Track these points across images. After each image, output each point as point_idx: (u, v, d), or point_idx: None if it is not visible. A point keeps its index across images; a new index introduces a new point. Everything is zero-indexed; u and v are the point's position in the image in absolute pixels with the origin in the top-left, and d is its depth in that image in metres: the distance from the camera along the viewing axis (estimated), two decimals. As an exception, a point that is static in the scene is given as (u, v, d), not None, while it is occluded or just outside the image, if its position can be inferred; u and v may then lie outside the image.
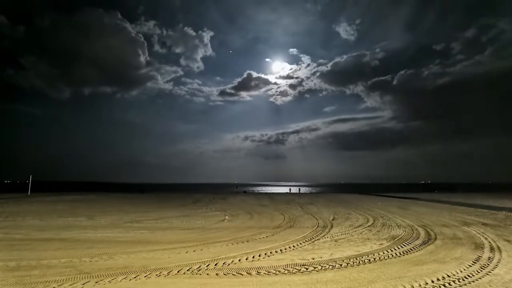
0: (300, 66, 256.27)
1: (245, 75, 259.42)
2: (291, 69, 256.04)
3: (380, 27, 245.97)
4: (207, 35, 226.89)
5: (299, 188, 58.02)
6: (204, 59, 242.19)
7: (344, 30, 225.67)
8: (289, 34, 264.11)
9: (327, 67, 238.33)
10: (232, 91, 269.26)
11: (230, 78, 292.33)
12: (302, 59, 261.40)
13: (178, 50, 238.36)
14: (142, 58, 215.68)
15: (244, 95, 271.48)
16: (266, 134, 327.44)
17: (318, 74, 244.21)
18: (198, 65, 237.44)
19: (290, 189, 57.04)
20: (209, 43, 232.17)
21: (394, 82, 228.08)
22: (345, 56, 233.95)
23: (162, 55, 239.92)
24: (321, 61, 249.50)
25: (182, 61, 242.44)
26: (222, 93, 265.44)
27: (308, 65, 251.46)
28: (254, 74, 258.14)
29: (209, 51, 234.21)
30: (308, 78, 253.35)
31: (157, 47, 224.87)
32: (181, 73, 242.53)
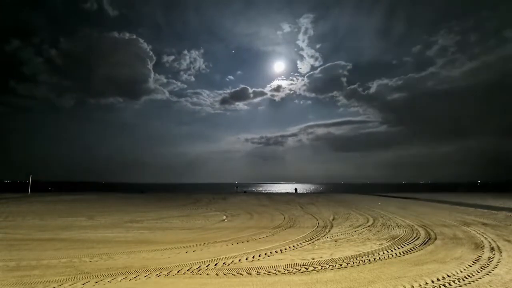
0: (287, 77, 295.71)
1: (239, 88, 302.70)
2: (280, 78, 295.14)
3: (345, 45, 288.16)
4: (198, 52, 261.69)
5: (296, 189, 57.80)
6: (201, 73, 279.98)
7: (307, 54, 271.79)
8: (270, 44, 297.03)
9: (307, 78, 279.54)
10: (231, 101, 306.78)
11: (227, 90, 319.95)
12: (287, 69, 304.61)
13: (176, 67, 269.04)
14: (147, 73, 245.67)
15: (241, 104, 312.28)
16: (266, 136, 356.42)
17: (302, 84, 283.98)
18: (196, 78, 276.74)
19: (295, 189, 56.72)
20: (201, 59, 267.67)
21: (367, 91, 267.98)
22: (318, 69, 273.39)
23: (163, 71, 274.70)
24: (298, 73, 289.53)
25: (182, 76, 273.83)
26: (221, 102, 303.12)
27: (292, 75, 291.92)
28: (249, 87, 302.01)
29: (203, 66, 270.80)
30: (294, 87, 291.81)
31: (158, 64, 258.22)
32: (182, 86, 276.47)
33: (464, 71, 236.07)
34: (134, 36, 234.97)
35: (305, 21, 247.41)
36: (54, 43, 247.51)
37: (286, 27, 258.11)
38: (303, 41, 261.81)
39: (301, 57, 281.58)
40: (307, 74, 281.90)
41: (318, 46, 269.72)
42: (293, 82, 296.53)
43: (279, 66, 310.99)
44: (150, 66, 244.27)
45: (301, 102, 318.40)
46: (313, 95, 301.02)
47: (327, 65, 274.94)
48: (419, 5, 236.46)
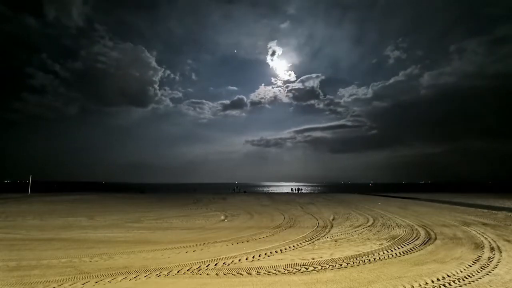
0: (269, 84, 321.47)
1: (235, 98, 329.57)
2: (269, 86, 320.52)
3: (316, 58, 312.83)
4: (193, 67, 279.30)
5: (295, 188, 57.66)
6: (197, 83, 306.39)
7: (280, 72, 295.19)
8: (252, 53, 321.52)
9: (286, 89, 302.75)
10: (228, 108, 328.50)
11: (224, 100, 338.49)
12: (271, 78, 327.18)
13: (175, 78, 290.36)
14: (152, 83, 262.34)
15: (239, 112, 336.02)
16: (265, 138, 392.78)
17: (285, 92, 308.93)
18: (193, 88, 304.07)
19: (297, 189, 56.60)
20: (192, 74, 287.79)
21: (343, 99, 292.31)
22: (295, 82, 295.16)
23: (165, 83, 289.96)
24: (278, 84, 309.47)
25: (180, 86, 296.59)
26: (220, 109, 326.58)
27: (275, 85, 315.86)
28: (244, 96, 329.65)
29: (198, 78, 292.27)
30: (280, 95, 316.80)
31: (161, 75, 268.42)
32: (183, 96, 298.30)
33: (425, 81, 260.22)
34: (144, 50, 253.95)
35: (272, 44, 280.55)
36: (60, 59, 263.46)
37: (258, 52, 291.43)
38: (272, 60, 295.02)
39: (275, 75, 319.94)
40: (285, 86, 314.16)
41: (289, 65, 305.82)
42: (278, 90, 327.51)
43: (265, 74, 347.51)
44: (155, 77, 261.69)
45: (288, 108, 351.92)
46: (295, 103, 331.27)
47: (303, 77, 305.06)
48: (372, 22, 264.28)
